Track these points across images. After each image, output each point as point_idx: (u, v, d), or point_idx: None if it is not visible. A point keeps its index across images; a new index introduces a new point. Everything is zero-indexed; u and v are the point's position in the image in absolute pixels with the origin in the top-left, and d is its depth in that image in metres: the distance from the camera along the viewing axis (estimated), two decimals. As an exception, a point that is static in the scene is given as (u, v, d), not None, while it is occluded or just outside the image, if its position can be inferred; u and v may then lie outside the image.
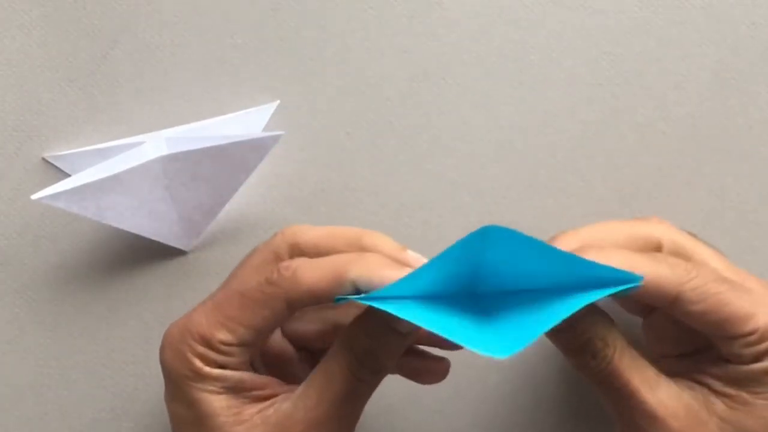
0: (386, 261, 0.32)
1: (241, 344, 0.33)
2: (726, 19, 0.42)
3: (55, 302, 0.41)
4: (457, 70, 0.42)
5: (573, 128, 0.42)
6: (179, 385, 0.33)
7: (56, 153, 0.41)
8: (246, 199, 0.42)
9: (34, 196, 0.37)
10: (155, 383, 0.42)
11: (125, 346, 0.42)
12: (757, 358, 0.32)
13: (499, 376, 0.42)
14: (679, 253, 0.34)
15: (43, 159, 0.41)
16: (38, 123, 0.41)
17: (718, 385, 0.33)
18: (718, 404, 0.33)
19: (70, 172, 0.40)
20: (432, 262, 0.30)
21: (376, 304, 0.30)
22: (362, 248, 0.34)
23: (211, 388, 0.33)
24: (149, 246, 0.41)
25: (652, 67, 0.42)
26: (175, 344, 0.33)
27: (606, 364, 0.33)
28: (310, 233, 0.34)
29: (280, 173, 0.42)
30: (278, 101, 0.42)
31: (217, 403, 0.33)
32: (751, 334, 0.32)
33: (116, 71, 0.41)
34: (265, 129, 0.41)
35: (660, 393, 0.33)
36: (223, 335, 0.33)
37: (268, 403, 0.34)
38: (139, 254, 0.41)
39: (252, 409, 0.33)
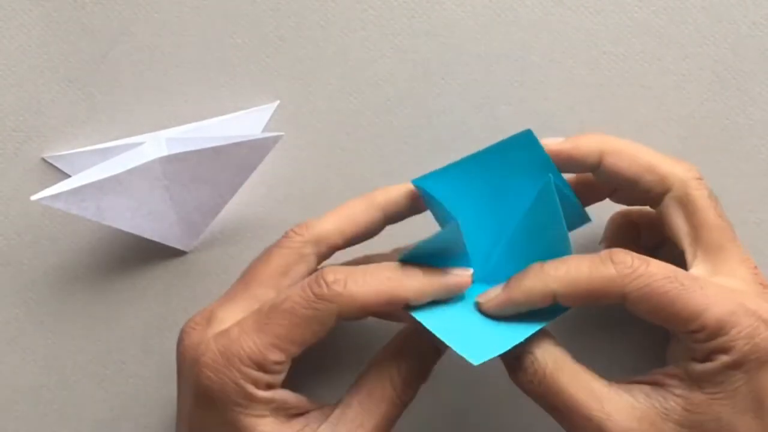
0: (435, 278, 0.33)
1: (290, 360, 0.33)
2: (726, 19, 0.42)
3: (55, 302, 0.41)
4: (457, 70, 0.42)
5: (573, 128, 0.42)
6: (226, 411, 0.32)
7: (56, 153, 0.41)
8: (246, 199, 0.41)
9: (33, 197, 0.36)
10: (155, 383, 0.42)
11: (125, 346, 0.42)
12: (709, 356, 0.32)
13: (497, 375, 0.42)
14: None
15: (43, 159, 0.41)
16: (38, 123, 0.41)
17: (675, 387, 0.32)
18: (676, 408, 0.32)
19: (69, 173, 0.40)
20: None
21: (436, 331, 0.33)
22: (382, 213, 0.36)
23: (259, 412, 0.33)
24: (149, 246, 0.41)
25: (652, 67, 0.42)
26: (221, 370, 0.32)
27: (540, 380, 0.33)
28: (328, 225, 0.35)
29: (280, 173, 0.42)
30: (278, 101, 0.42)
31: (262, 426, 0.33)
32: (698, 331, 0.31)
33: (116, 71, 0.41)
34: (265, 129, 0.41)
35: (609, 406, 0.32)
36: (275, 356, 0.32)
37: (301, 421, 0.34)
38: (139, 255, 0.41)
39: (290, 430, 0.33)
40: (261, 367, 0.32)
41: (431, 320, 0.33)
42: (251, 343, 0.32)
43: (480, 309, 0.34)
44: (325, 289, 0.32)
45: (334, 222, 0.36)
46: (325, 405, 0.34)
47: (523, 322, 0.34)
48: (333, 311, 0.32)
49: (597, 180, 0.36)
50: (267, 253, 0.36)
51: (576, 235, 0.42)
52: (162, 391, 0.42)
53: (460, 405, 0.42)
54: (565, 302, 0.33)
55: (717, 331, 0.31)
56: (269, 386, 0.33)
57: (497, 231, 0.36)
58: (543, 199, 0.34)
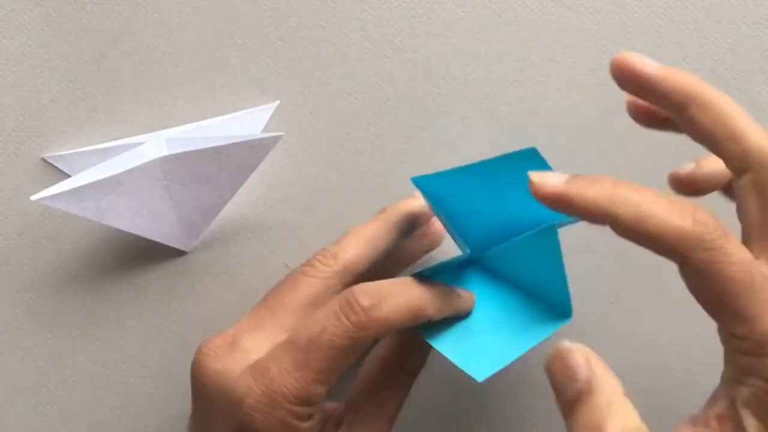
0: (450, 298, 0.34)
1: (330, 386, 0.33)
2: (726, 19, 0.42)
3: (54, 302, 0.41)
4: (457, 70, 0.42)
5: (573, 128, 0.42)
6: None
7: (56, 153, 0.41)
8: (246, 199, 0.42)
9: (33, 197, 0.36)
10: (155, 383, 0.42)
11: (125, 346, 0.42)
12: (744, 376, 0.28)
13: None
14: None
15: (43, 159, 0.41)
16: (38, 123, 0.41)
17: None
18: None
19: (69, 173, 0.40)
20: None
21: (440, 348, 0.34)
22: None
23: None
24: (149, 246, 0.41)
25: (652, 67, 0.42)
26: (268, 411, 0.32)
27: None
28: (352, 252, 0.36)
29: (280, 173, 0.42)
30: (278, 101, 0.42)
31: None
32: (741, 338, 0.27)
33: (116, 71, 0.41)
34: (265, 129, 0.41)
35: None
36: (319, 389, 0.32)
37: None
38: (139, 255, 0.41)
39: None
40: (306, 402, 0.32)
41: (436, 337, 0.34)
42: (294, 381, 0.32)
43: (531, 186, 0.29)
44: (362, 316, 0.32)
45: (357, 249, 0.36)
46: (336, 406, 0.35)
47: (523, 334, 0.33)
48: (370, 336, 0.32)
49: (677, 123, 0.32)
50: (293, 280, 0.35)
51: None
52: (162, 391, 0.42)
53: (456, 388, 0.42)
54: (619, 232, 0.28)
55: (759, 347, 0.27)
56: (311, 416, 0.33)
57: (490, 239, 0.36)
58: (544, 238, 0.34)
